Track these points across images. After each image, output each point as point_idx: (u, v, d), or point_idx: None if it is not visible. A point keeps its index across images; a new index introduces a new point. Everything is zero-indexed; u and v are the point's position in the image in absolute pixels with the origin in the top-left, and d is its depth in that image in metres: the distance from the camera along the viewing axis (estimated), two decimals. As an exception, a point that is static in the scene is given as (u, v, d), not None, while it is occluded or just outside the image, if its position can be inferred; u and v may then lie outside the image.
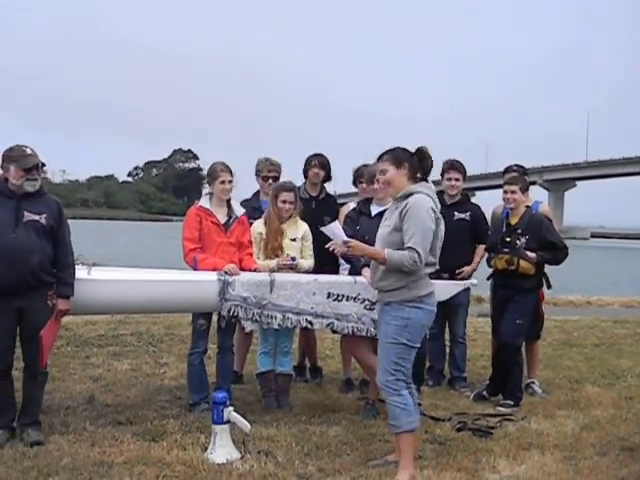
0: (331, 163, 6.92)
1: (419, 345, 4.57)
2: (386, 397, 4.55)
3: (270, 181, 6.63)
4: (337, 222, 4.80)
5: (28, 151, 4.94)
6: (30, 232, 4.88)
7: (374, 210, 5.92)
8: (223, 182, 5.84)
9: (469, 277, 6.78)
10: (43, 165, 5.00)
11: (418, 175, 4.63)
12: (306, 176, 6.85)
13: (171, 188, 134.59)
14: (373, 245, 4.79)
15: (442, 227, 4.58)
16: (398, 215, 4.48)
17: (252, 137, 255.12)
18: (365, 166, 6.35)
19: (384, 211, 5.81)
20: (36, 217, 4.91)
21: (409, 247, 4.36)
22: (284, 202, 6.10)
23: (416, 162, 4.60)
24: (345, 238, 4.63)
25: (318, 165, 6.77)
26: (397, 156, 4.59)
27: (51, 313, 4.97)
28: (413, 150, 4.65)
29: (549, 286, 6.67)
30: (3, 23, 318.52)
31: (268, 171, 6.73)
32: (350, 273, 5.90)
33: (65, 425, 5.27)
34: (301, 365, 7.26)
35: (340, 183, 7.18)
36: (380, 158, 4.69)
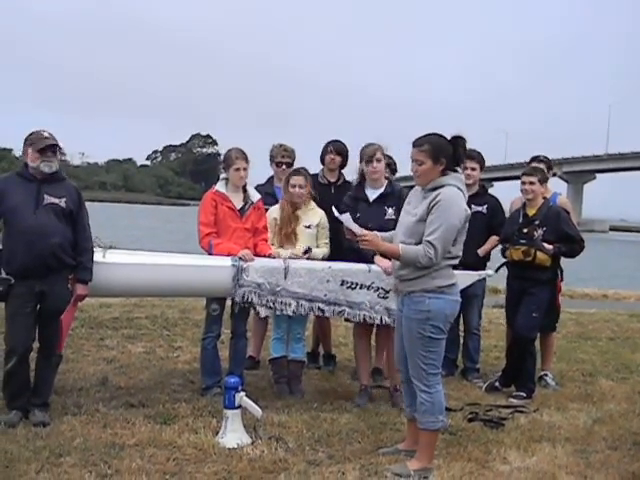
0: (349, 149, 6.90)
1: (445, 335, 4.48)
2: (416, 391, 4.49)
3: (284, 167, 6.65)
4: (348, 214, 4.71)
5: (45, 134, 5.01)
6: (50, 214, 4.94)
7: (371, 194, 5.89)
8: (238, 169, 5.84)
9: (483, 267, 6.74)
10: (60, 148, 5.06)
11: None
12: (323, 162, 6.84)
13: (189, 173, 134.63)
14: (376, 231, 4.75)
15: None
16: (427, 206, 4.31)
17: (273, 123, 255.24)
18: None
19: (382, 196, 5.80)
20: (56, 200, 4.98)
21: (427, 241, 4.24)
22: (294, 186, 6.08)
23: (452, 154, 4.40)
24: (359, 231, 4.51)
25: (334, 151, 6.75)
26: (437, 150, 4.35)
27: (71, 297, 5.04)
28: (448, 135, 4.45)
29: (561, 279, 6.64)
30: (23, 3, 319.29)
31: (281, 157, 6.74)
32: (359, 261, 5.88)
33: (78, 406, 5.31)
34: (314, 352, 7.27)
35: (353, 171, 7.12)
36: (419, 145, 4.40)
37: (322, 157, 6.81)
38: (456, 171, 4.49)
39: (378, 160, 5.84)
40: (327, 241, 6.15)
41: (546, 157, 7.15)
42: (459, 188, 4.40)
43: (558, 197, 6.96)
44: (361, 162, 6.00)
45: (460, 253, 4.46)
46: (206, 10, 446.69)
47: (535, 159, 7.04)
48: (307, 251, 5.94)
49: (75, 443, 4.56)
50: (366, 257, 5.64)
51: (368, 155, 5.85)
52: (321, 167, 6.87)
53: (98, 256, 5.22)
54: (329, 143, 6.80)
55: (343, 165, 6.85)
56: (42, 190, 4.97)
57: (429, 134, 4.46)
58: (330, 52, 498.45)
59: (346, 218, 4.63)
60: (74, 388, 5.80)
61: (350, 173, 6.95)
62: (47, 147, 4.95)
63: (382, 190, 5.89)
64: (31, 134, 5.03)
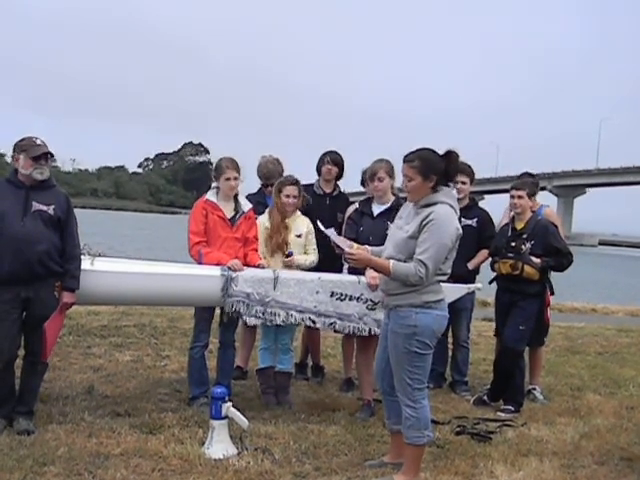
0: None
1: (432, 350, 4.46)
2: (401, 405, 4.45)
3: (269, 188, 6.65)
4: (333, 229, 4.71)
5: (38, 141, 4.99)
6: (38, 221, 4.91)
7: (376, 210, 5.90)
8: (228, 179, 5.82)
9: (473, 280, 6.75)
10: (51, 155, 5.03)
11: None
12: (319, 172, 6.87)
13: (181, 181, 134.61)
14: (378, 245, 4.75)
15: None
16: (418, 223, 4.28)
17: (267, 132, 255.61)
18: None
19: (386, 210, 5.81)
20: (44, 207, 4.95)
21: (419, 260, 4.20)
22: (288, 196, 6.08)
23: (443, 170, 4.36)
24: (347, 249, 4.49)
25: (331, 162, 6.79)
26: (428, 166, 4.32)
27: (57, 304, 4.99)
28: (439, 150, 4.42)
29: (552, 292, 6.66)
30: (15, 5, 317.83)
31: (266, 179, 6.78)
32: (349, 271, 5.88)
33: (63, 415, 5.28)
34: (303, 363, 7.25)
35: (348, 181, 7.17)
36: (409, 160, 4.37)
37: (318, 167, 6.85)
38: (448, 186, 4.47)
39: (380, 179, 5.83)
40: (315, 247, 6.15)
41: (531, 175, 7.21)
42: (451, 206, 4.38)
43: (544, 209, 6.99)
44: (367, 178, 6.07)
45: (449, 270, 4.45)
46: (200, 16, 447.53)
47: (522, 177, 7.08)
48: (289, 255, 5.95)
49: (60, 452, 4.52)
50: (356, 268, 5.66)
51: (371, 173, 5.88)
52: (317, 177, 6.90)
53: (86, 264, 5.19)
54: (326, 154, 6.85)
55: (339, 176, 6.89)
56: (31, 197, 4.94)
57: (420, 149, 4.42)
58: (328, 62, 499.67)
59: (332, 233, 4.62)
60: (60, 396, 5.75)
61: (345, 184, 7.02)
62: (41, 155, 4.93)
63: (388, 205, 5.89)
64: (22, 140, 5.00)
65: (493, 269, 6.57)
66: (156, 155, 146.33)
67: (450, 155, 4.41)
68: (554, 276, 6.68)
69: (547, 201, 7.89)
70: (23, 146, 4.97)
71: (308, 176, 6.86)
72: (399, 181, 6.53)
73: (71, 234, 5.09)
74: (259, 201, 6.56)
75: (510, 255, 6.30)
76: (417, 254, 4.24)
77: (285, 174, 6.58)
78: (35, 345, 5.00)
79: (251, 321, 5.64)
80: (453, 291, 6.06)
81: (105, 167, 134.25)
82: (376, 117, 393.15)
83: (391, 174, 5.86)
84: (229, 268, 5.52)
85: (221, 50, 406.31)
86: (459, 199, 6.79)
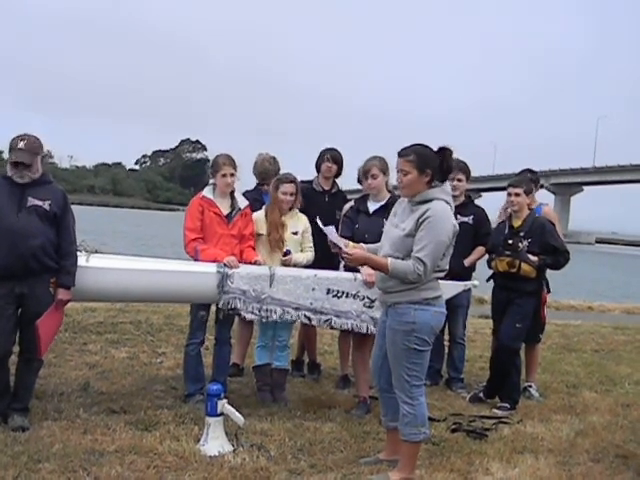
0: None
1: (430, 347, 4.45)
2: (399, 402, 4.45)
3: (265, 187, 6.63)
4: (333, 228, 4.69)
5: (20, 145, 4.90)
6: (33, 216, 4.90)
7: (372, 207, 5.89)
8: (224, 175, 5.81)
9: (469, 277, 6.74)
10: (28, 165, 4.89)
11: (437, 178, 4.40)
12: (319, 170, 6.85)
13: (178, 178, 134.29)
14: (373, 242, 4.74)
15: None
16: (415, 221, 4.26)
17: (264, 130, 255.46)
18: None
19: (382, 207, 5.80)
20: (40, 203, 4.93)
21: (417, 258, 4.19)
22: (285, 194, 6.07)
23: (438, 166, 4.35)
24: (344, 248, 4.47)
25: (331, 159, 6.77)
26: (422, 161, 4.31)
27: (52, 300, 4.98)
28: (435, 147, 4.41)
29: (548, 290, 6.66)
30: (15, 5, 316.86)
31: (262, 179, 6.81)
32: (345, 268, 5.88)
33: (58, 411, 5.27)
34: (299, 360, 7.24)
35: (346, 179, 7.16)
36: (404, 154, 4.36)
37: (318, 165, 6.83)
38: (443, 182, 4.45)
39: (373, 176, 5.83)
40: (311, 245, 6.14)
41: (532, 172, 7.20)
42: (447, 202, 4.36)
43: (543, 207, 6.99)
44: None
45: (447, 267, 4.44)
46: (200, 16, 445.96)
47: (521, 174, 7.09)
48: (287, 253, 5.94)
49: (54, 449, 4.51)
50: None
51: (364, 171, 5.88)
52: (315, 174, 6.89)
53: (81, 260, 5.18)
54: (325, 151, 6.83)
55: (338, 174, 6.88)
56: (26, 192, 4.92)
57: (415, 144, 4.42)
58: (328, 62, 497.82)
59: (330, 231, 4.59)
60: (55, 393, 5.74)
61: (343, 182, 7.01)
62: (17, 162, 4.87)
63: (383, 202, 5.88)
64: (13, 139, 4.95)
65: (490, 267, 6.57)
66: (153, 152, 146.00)
67: (444, 152, 4.41)
68: (551, 274, 6.69)
69: (544, 199, 7.90)
70: (11, 146, 4.93)
71: (307, 175, 6.88)
72: (394, 178, 6.56)
73: (67, 230, 5.07)
74: (256, 198, 6.56)
75: (507, 253, 6.29)
76: (415, 252, 4.23)
77: (282, 172, 6.58)
78: (30, 342, 4.97)
79: (248, 315, 5.63)
80: (450, 288, 6.05)
81: (102, 164, 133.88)
82: (376, 117, 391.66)
83: (385, 171, 5.86)
84: (225, 265, 5.52)
85: (221, 50, 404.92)
86: (455, 196, 6.80)
